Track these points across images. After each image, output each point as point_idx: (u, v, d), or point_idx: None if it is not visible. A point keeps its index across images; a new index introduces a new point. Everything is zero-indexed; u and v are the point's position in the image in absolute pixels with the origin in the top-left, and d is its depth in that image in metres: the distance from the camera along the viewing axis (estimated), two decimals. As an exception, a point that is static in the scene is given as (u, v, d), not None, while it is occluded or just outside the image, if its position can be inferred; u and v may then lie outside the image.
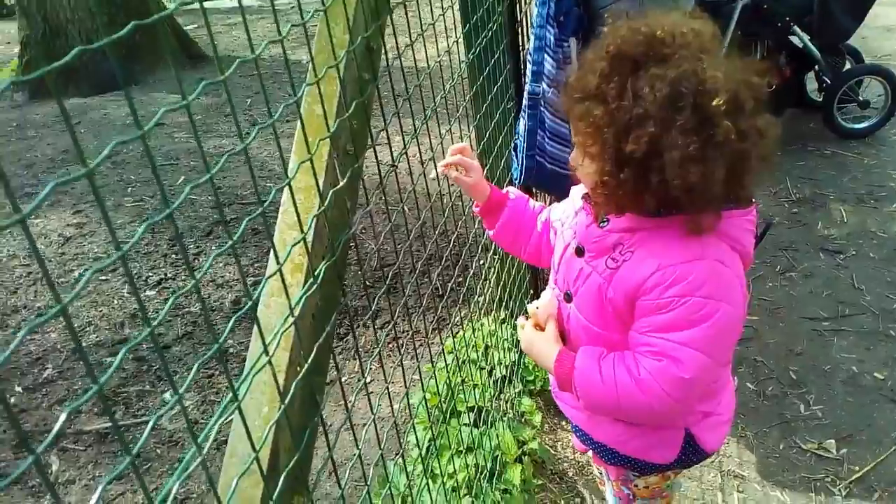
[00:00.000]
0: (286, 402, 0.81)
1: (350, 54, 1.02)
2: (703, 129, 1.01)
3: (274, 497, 0.78)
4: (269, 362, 0.76)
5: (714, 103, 1.01)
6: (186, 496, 2.35)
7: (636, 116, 1.03)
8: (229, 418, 0.91)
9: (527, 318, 1.38)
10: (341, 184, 0.99)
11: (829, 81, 4.07)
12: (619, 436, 1.36)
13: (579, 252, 1.27)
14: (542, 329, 1.34)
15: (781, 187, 3.77)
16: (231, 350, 3.00)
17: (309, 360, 0.88)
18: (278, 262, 0.80)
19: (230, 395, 0.71)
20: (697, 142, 1.01)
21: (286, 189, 0.85)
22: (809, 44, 3.95)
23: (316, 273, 0.91)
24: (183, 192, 0.61)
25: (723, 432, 1.40)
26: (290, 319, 0.84)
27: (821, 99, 4.21)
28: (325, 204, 0.94)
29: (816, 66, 4.08)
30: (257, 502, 0.79)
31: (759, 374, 2.60)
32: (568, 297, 1.32)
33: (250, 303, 0.73)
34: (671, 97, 1.01)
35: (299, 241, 0.87)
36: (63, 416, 0.52)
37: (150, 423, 0.60)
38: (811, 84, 4.32)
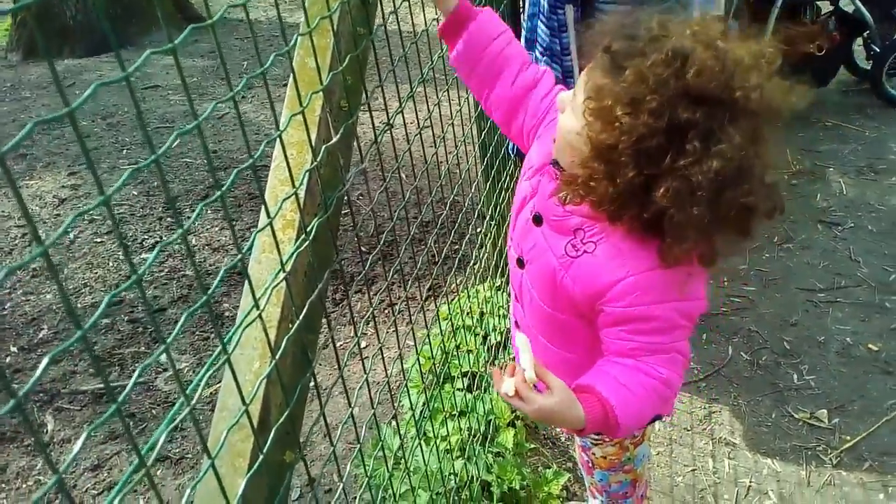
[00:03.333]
0: (277, 357, 0.80)
1: (344, 6, 1.00)
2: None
3: (264, 451, 0.78)
4: (260, 317, 0.76)
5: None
6: (182, 456, 2.37)
7: (687, 165, 0.95)
8: (221, 380, 0.91)
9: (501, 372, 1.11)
10: (334, 139, 0.97)
11: (878, 49, 4.00)
12: None
13: (537, 220, 1.21)
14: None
15: (780, 158, 3.75)
16: (227, 314, 3.00)
17: (301, 317, 0.87)
18: (269, 217, 0.79)
19: (219, 349, 0.71)
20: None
21: (277, 143, 0.84)
22: (862, 7, 3.87)
23: (308, 230, 0.90)
24: (168, 144, 0.60)
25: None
26: (281, 275, 0.83)
27: (868, 66, 4.14)
28: (318, 160, 0.92)
29: (866, 33, 4.01)
30: (247, 455, 0.79)
31: (753, 343, 2.61)
32: (520, 263, 1.27)
33: (239, 255, 0.72)
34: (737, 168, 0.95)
35: (291, 196, 0.86)
36: (44, 362, 0.51)
37: (137, 373, 0.59)
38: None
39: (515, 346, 1.18)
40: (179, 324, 0.63)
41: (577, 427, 1.09)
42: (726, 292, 2.84)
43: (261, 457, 0.78)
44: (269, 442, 0.81)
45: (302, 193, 0.91)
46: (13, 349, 2.90)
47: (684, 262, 1.03)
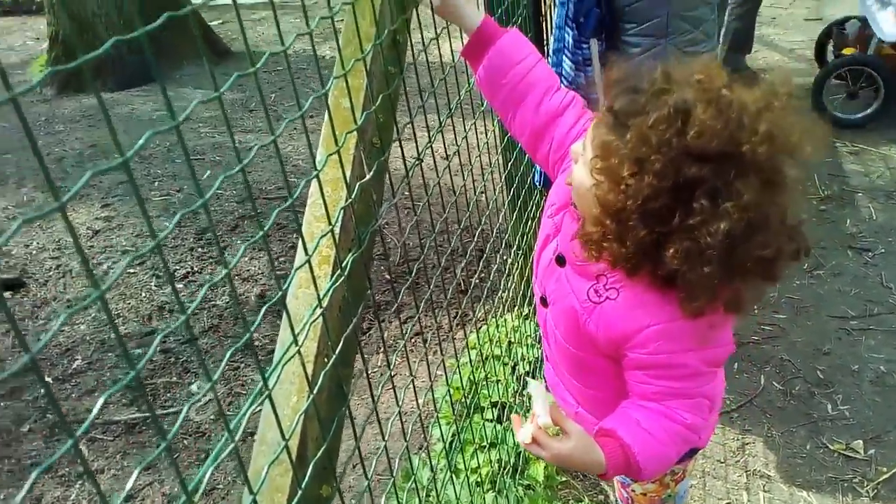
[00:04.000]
0: (315, 392, 0.82)
1: (377, 47, 1.03)
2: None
3: (303, 486, 0.79)
4: (299, 352, 0.77)
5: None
6: (213, 487, 2.38)
7: (699, 224, 0.93)
8: (257, 409, 0.93)
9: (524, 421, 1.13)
10: (368, 176, 0.99)
11: None
12: None
13: (560, 261, 1.20)
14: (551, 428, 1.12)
15: (809, 184, 3.72)
16: (257, 343, 3.02)
17: (337, 352, 0.89)
18: (307, 254, 0.81)
19: (260, 384, 0.72)
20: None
21: (314, 181, 0.86)
22: None
23: (343, 265, 0.92)
24: (213, 186, 0.62)
25: (713, 424, 1.38)
26: (319, 310, 0.84)
27: None
28: (353, 196, 0.94)
29: None
30: (286, 490, 0.80)
31: (785, 373, 2.57)
32: (544, 302, 1.27)
33: (280, 293, 0.74)
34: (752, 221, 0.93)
35: (327, 233, 0.87)
36: (100, 402, 0.53)
37: (184, 411, 0.60)
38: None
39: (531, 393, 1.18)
40: (223, 362, 0.64)
41: (598, 472, 1.10)
42: (757, 320, 2.81)
43: (300, 492, 0.79)
44: (307, 477, 0.82)
45: (337, 230, 0.93)
46: (48, 379, 2.95)
47: (707, 312, 1.01)
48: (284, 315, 0.83)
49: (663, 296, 1.05)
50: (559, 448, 1.06)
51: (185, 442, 2.59)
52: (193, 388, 2.83)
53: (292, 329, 0.77)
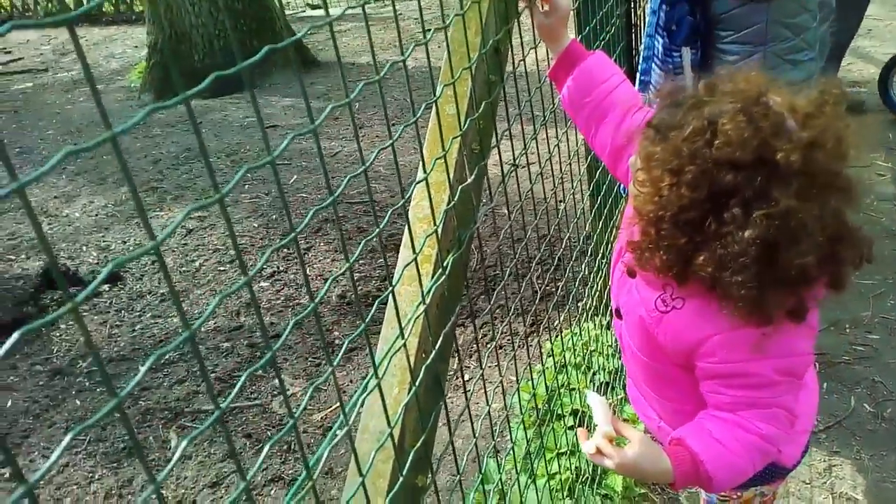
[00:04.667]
0: (417, 384, 0.85)
1: (481, 56, 1.06)
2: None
3: (403, 473, 0.83)
4: (404, 345, 0.81)
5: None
6: (294, 477, 2.46)
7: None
8: (331, 406, 0.97)
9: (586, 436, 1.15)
10: (469, 180, 1.03)
11: None
12: None
13: (631, 273, 1.19)
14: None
15: (858, 201, 3.57)
16: (336, 342, 3.11)
17: (436, 347, 0.92)
18: (414, 252, 0.85)
19: (370, 374, 0.76)
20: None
21: (420, 184, 0.90)
22: None
23: (444, 264, 0.96)
24: (301, 190, 0.67)
25: (801, 443, 1.34)
26: (422, 307, 0.88)
27: None
28: (455, 198, 0.98)
29: None
30: (387, 476, 0.84)
31: (877, 394, 2.47)
32: (618, 314, 1.27)
33: (391, 288, 0.78)
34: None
35: (432, 234, 0.91)
36: (238, 386, 0.58)
37: (308, 392, 0.65)
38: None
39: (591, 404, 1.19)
40: (342, 349, 0.69)
41: (666, 480, 1.09)
42: (849, 340, 2.71)
43: (401, 478, 0.83)
44: (407, 465, 0.86)
45: (440, 230, 0.97)
46: (141, 368, 3.11)
47: (769, 321, 1.00)
48: (389, 309, 0.87)
49: (721, 305, 1.05)
50: (623, 455, 1.06)
51: (269, 433, 2.69)
52: (276, 382, 2.93)
53: (399, 323, 0.80)
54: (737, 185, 0.93)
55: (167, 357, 3.14)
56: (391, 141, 0.74)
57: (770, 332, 1.03)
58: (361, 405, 0.94)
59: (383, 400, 0.76)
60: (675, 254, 0.99)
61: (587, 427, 1.77)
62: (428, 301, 0.93)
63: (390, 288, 0.78)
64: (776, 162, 0.92)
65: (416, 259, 0.85)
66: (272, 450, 2.61)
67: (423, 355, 0.95)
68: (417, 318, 0.89)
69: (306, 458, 0.62)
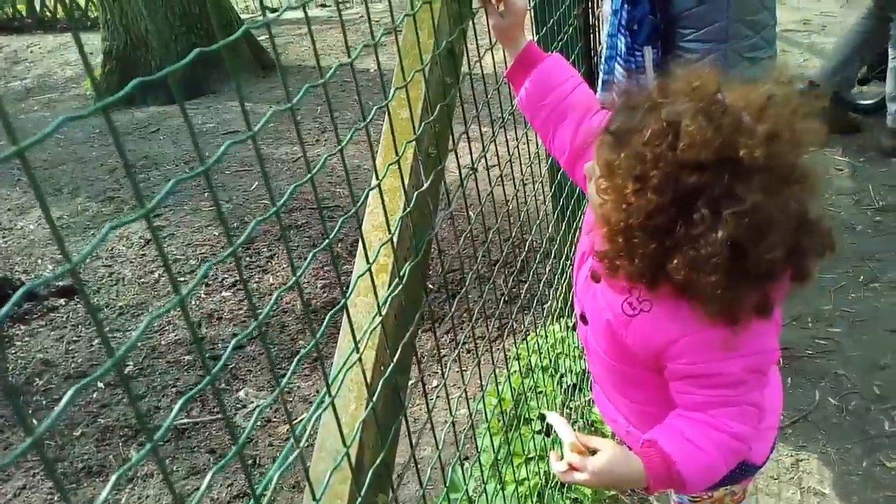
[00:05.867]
0: (374, 400, 0.82)
1: (434, 57, 1.03)
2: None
3: (361, 493, 0.80)
4: (360, 360, 0.78)
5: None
6: (261, 493, 2.40)
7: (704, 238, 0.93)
8: (296, 416, 0.93)
9: (558, 457, 1.12)
10: (425, 185, 1.00)
11: None
12: None
13: (595, 277, 1.19)
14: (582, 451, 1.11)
15: (864, 194, 3.63)
16: (301, 351, 3.05)
17: (395, 360, 0.89)
18: (368, 262, 0.81)
19: (323, 391, 0.73)
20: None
21: (374, 191, 0.86)
22: None
23: (401, 273, 0.92)
24: (263, 197, 0.63)
25: (769, 440, 1.35)
26: (378, 318, 0.85)
27: None
28: (411, 205, 0.95)
29: None
30: (345, 497, 0.81)
31: (841, 388, 2.50)
32: (584, 319, 1.26)
33: (343, 301, 0.75)
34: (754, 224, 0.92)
35: (387, 242, 0.88)
36: (177, 407, 0.54)
37: (256, 413, 0.61)
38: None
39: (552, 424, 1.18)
40: (294, 364, 0.65)
41: (640, 484, 1.08)
42: (811, 334, 2.74)
43: (359, 499, 0.79)
44: (365, 485, 0.82)
45: (395, 239, 0.94)
46: (100, 385, 3.02)
47: (736, 320, 1.00)
48: (344, 323, 0.83)
49: (691, 306, 1.04)
50: (595, 464, 1.06)
51: (233, 448, 2.63)
52: (241, 394, 2.87)
53: (354, 337, 0.77)
54: (702, 186, 0.92)
55: (126, 372, 3.05)
56: (339, 147, 0.71)
57: (738, 331, 1.03)
58: (317, 421, 0.90)
59: (337, 418, 0.72)
60: (647, 260, 0.97)
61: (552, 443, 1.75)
62: (385, 312, 0.90)
63: (343, 300, 0.75)
64: (739, 159, 0.91)
65: (370, 269, 0.82)
66: (235, 465, 2.55)
67: (382, 368, 0.91)
68: (374, 330, 0.86)
69: (253, 486, 0.59)
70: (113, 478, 0.47)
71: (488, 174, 1.41)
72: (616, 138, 0.98)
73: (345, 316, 0.82)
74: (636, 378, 1.21)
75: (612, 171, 0.98)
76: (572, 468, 1.07)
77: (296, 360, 0.66)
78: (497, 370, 2.23)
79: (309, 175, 0.64)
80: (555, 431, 1.14)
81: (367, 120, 0.76)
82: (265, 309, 0.63)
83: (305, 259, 0.74)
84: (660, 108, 0.97)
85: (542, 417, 1.17)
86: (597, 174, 1.03)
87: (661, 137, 0.93)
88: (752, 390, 1.10)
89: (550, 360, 2.20)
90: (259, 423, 2.71)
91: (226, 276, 3.56)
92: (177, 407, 0.53)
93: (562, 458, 1.09)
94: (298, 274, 0.63)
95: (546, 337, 2.20)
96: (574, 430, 1.12)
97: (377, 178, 0.83)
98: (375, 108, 0.80)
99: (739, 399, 1.09)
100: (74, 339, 3.31)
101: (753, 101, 0.95)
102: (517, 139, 1.62)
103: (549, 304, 2.22)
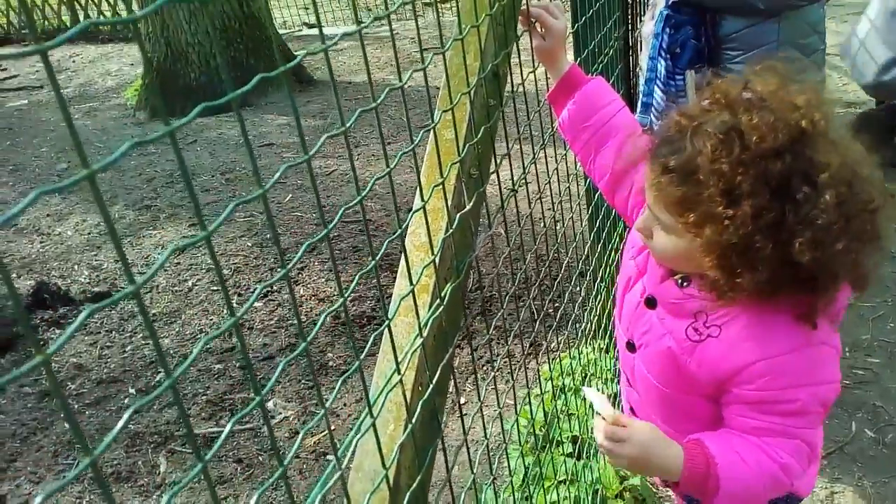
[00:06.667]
0: (413, 421, 0.82)
1: (480, 80, 1.04)
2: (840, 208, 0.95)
3: (399, 515, 0.79)
4: (401, 381, 0.78)
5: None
6: (286, 505, 2.41)
7: (789, 221, 0.94)
8: (323, 429, 0.93)
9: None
10: (468, 207, 1.00)
11: None
12: None
13: (650, 303, 1.17)
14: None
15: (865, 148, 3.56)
16: (330, 363, 3.07)
17: (434, 381, 0.89)
18: (410, 283, 0.81)
19: (365, 411, 0.73)
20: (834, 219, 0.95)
21: (420, 212, 0.87)
22: None
23: (443, 294, 0.92)
24: (296, 209, 0.64)
25: (813, 472, 1.32)
26: (419, 340, 0.85)
27: None
28: (454, 227, 0.95)
29: None
30: (383, 519, 0.80)
31: (878, 420, 2.44)
32: (631, 347, 1.24)
33: (387, 322, 0.75)
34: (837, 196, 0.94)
35: (429, 264, 0.88)
36: (220, 440, 0.55)
37: (297, 441, 0.61)
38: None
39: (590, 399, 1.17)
40: (333, 393, 0.65)
41: (673, 475, 1.06)
42: (849, 364, 2.68)
43: (396, 521, 0.79)
44: (403, 506, 0.82)
45: (437, 259, 0.94)
46: (131, 391, 3.06)
47: (858, 284, 1.02)
48: (385, 342, 0.84)
49: (771, 328, 1.04)
50: (637, 435, 1.05)
51: (260, 458, 2.64)
52: (270, 405, 2.88)
53: (396, 358, 0.77)
54: (789, 167, 0.93)
55: (158, 379, 3.09)
56: (387, 171, 0.71)
57: (828, 346, 1.05)
58: (313, 432, 0.90)
59: (378, 441, 0.72)
60: (770, 263, 0.96)
61: (583, 468, 1.73)
62: (425, 333, 0.90)
63: (386, 322, 0.75)
64: (804, 129, 0.94)
65: (413, 290, 0.82)
66: (263, 474, 2.56)
67: (420, 388, 0.91)
68: (414, 351, 0.86)
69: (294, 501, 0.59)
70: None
71: (527, 192, 1.41)
72: (679, 172, 0.98)
73: (386, 336, 0.82)
74: (688, 406, 1.19)
75: (691, 202, 0.98)
76: (610, 438, 1.06)
77: (339, 381, 0.66)
78: (530, 389, 2.22)
79: (358, 198, 0.64)
80: (591, 405, 1.11)
81: (415, 143, 0.76)
82: (312, 331, 0.63)
83: (338, 270, 0.75)
84: (702, 126, 0.97)
85: (577, 390, 1.17)
86: (669, 217, 1.02)
87: (727, 145, 0.94)
88: (811, 426, 1.08)
89: (582, 382, 2.18)
90: (287, 434, 2.72)
91: (257, 286, 3.59)
92: (222, 436, 0.53)
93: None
94: (346, 296, 0.63)
95: (578, 358, 2.18)
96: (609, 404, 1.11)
97: (422, 199, 0.83)
98: (422, 130, 0.80)
99: (797, 433, 1.07)
100: (108, 344, 3.36)
101: (777, 89, 0.98)
102: (556, 158, 1.61)
103: (583, 325, 2.20)
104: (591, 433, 2.05)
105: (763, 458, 1.06)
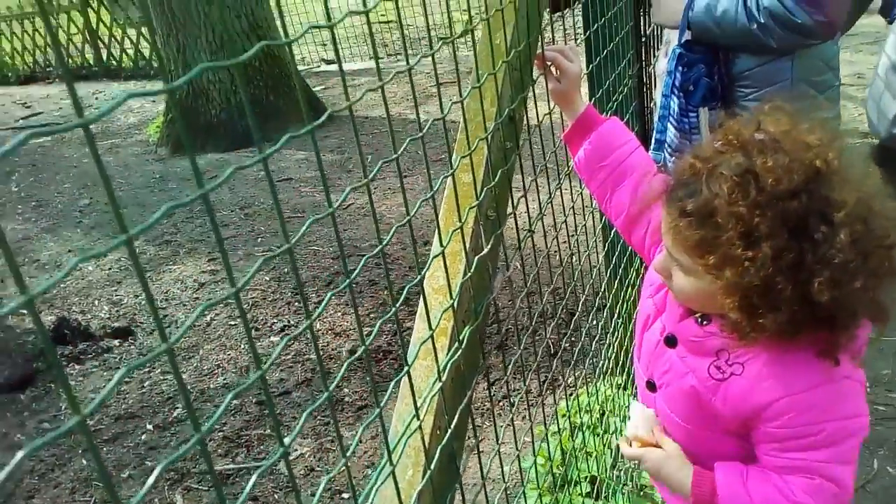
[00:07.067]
0: (433, 467, 0.82)
1: (497, 125, 1.05)
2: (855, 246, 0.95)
3: (418, 562, 0.79)
4: (420, 427, 0.78)
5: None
6: (302, 545, 2.39)
7: (808, 262, 0.94)
8: (341, 470, 0.93)
9: (628, 442, 1.23)
10: (486, 250, 1.01)
11: None
12: None
13: (670, 342, 1.17)
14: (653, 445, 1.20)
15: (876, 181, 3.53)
16: (347, 399, 3.06)
17: (452, 425, 0.89)
18: (430, 328, 0.82)
19: (384, 456, 0.73)
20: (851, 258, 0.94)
21: (440, 256, 0.88)
22: None
23: (461, 337, 0.93)
24: (313, 243, 0.65)
25: None
26: (438, 384, 0.85)
27: None
28: (472, 270, 0.96)
29: None
30: (402, 566, 0.80)
31: (903, 458, 2.40)
32: (651, 387, 1.23)
33: (407, 368, 0.75)
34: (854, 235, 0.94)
35: (448, 308, 0.89)
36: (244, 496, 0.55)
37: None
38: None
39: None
40: (354, 442, 0.66)
41: (683, 492, 1.13)
42: (870, 399, 2.63)
43: (415, 568, 0.79)
44: (422, 553, 0.82)
45: (455, 304, 0.95)
46: (149, 427, 3.07)
47: (880, 318, 1.01)
48: (404, 387, 0.84)
49: (793, 365, 1.04)
50: (655, 455, 1.17)
51: (276, 496, 2.63)
52: (286, 440, 2.87)
53: (415, 403, 0.77)
54: (806, 208, 0.94)
55: (175, 415, 3.10)
56: (407, 219, 0.72)
57: (852, 379, 1.04)
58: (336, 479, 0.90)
59: (397, 488, 0.72)
60: (791, 303, 0.95)
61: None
62: (444, 377, 0.90)
63: (406, 368, 0.75)
64: (819, 169, 0.94)
65: (432, 335, 0.82)
66: (280, 512, 2.55)
67: (438, 433, 0.91)
68: (434, 395, 0.86)
69: (317, 556, 0.59)
70: None
71: (543, 226, 1.42)
72: (696, 216, 0.98)
73: (405, 381, 0.83)
74: (712, 442, 1.18)
75: (710, 245, 0.98)
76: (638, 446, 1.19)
77: (361, 429, 0.67)
78: (547, 426, 2.20)
79: (380, 247, 0.65)
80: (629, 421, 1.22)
81: (435, 189, 0.77)
82: (335, 377, 0.64)
83: (355, 305, 0.76)
84: (717, 169, 0.98)
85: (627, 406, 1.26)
86: (688, 259, 1.02)
87: (743, 188, 0.95)
88: (839, 462, 1.05)
89: (601, 421, 2.16)
90: (303, 472, 2.71)
91: (274, 320, 3.61)
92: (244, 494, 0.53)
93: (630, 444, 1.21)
94: (367, 342, 0.64)
95: (596, 396, 2.16)
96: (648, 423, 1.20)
97: (440, 244, 0.84)
98: (442, 177, 0.82)
99: (818, 468, 1.05)
100: (126, 380, 3.37)
101: (789, 128, 0.99)
102: (571, 193, 1.62)
103: (600, 361, 2.19)
104: (609, 473, 2.02)
105: (773, 495, 1.05)
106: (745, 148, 0.98)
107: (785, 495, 1.05)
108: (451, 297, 0.88)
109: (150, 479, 0.42)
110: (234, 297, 0.48)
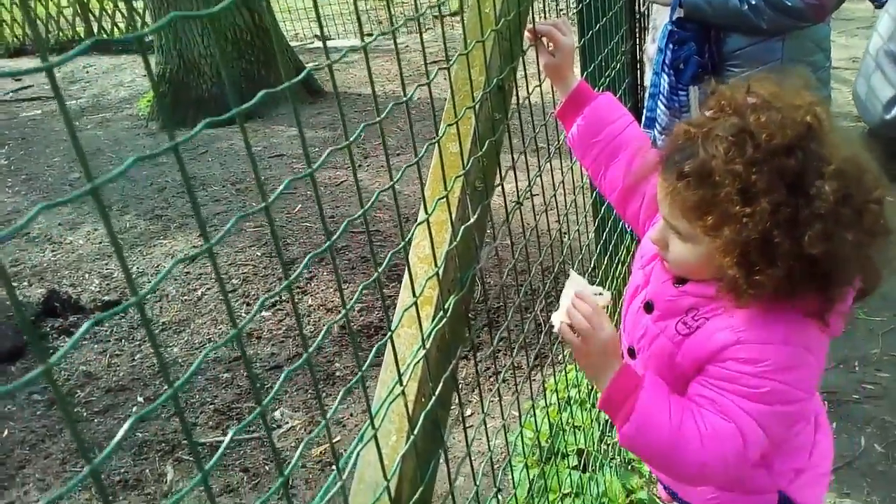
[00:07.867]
0: (416, 433, 0.82)
1: (485, 94, 1.05)
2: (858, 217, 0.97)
3: (400, 526, 0.80)
4: (403, 392, 0.78)
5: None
6: (291, 515, 2.41)
7: (805, 216, 0.95)
8: (322, 433, 0.94)
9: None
10: (472, 219, 1.01)
11: None
12: (709, 501, 1.29)
13: (648, 308, 1.18)
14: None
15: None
16: (338, 373, 3.07)
17: (436, 393, 0.89)
18: (414, 295, 0.82)
19: (366, 423, 0.74)
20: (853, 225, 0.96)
21: (424, 224, 0.87)
22: None
23: (446, 306, 0.93)
24: (306, 220, 0.64)
25: (822, 486, 1.30)
26: (422, 351, 0.86)
27: None
28: (457, 239, 0.96)
29: None
30: (384, 531, 0.81)
31: (887, 435, 2.42)
32: (632, 353, 1.24)
33: (389, 334, 0.75)
34: (840, 189, 0.95)
35: (433, 276, 0.89)
36: (217, 454, 0.55)
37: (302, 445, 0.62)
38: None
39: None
40: (336, 402, 0.66)
41: (600, 383, 1.08)
42: (858, 378, 2.66)
43: (397, 532, 0.79)
44: (404, 517, 0.82)
45: (440, 272, 0.95)
46: (139, 399, 3.08)
47: (870, 278, 1.02)
48: (388, 354, 0.84)
49: (765, 320, 1.03)
50: (587, 332, 1.07)
51: (266, 468, 2.64)
52: (276, 414, 2.89)
53: (398, 369, 0.78)
54: (802, 164, 0.95)
55: (165, 388, 3.10)
56: (391, 183, 0.72)
57: (801, 361, 1.03)
58: (320, 442, 0.90)
59: (380, 452, 0.73)
60: (788, 258, 0.96)
61: (588, 479, 1.73)
62: (428, 345, 0.91)
63: (388, 333, 0.75)
64: (810, 124, 0.96)
65: (416, 302, 0.82)
66: (270, 483, 2.57)
67: (423, 400, 0.92)
68: (417, 362, 0.86)
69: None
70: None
71: (532, 203, 1.42)
72: (694, 176, 0.99)
73: (389, 348, 0.83)
74: None
75: (708, 205, 0.98)
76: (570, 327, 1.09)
77: (342, 392, 0.67)
78: (535, 401, 2.21)
79: (362, 211, 0.65)
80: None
81: (419, 156, 0.77)
82: (317, 341, 0.64)
83: (346, 281, 0.76)
84: (712, 131, 0.99)
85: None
86: (686, 224, 1.03)
87: (739, 146, 0.96)
88: (760, 425, 1.03)
89: (588, 395, 2.18)
90: (293, 444, 2.73)
91: (265, 295, 3.61)
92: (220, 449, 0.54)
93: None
94: (348, 307, 0.64)
95: (578, 370, 2.18)
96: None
97: (426, 212, 0.84)
98: (427, 143, 0.81)
99: (740, 418, 1.03)
100: (117, 353, 3.38)
101: (780, 89, 1.01)
102: (562, 170, 1.62)
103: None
104: (597, 446, 2.04)
105: (686, 421, 1.04)
106: (739, 110, 0.99)
107: (696, 422, 1.04)
108: (436, 266, 0.88)
109: (121, 432, 0.42)
110: (207, 253, 0.47)
